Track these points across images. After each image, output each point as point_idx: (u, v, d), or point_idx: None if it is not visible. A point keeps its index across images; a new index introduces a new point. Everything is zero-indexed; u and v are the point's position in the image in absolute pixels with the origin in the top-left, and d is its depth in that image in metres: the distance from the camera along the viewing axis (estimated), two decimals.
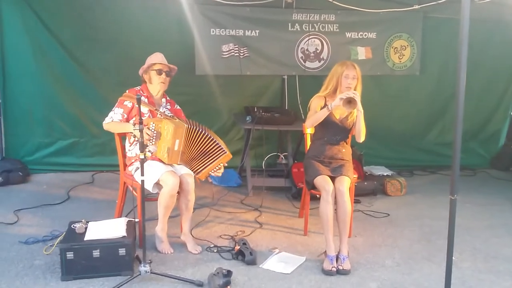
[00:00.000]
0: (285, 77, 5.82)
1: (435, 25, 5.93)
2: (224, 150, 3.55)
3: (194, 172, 3.57)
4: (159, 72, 3.65)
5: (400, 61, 5.99)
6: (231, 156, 3.63)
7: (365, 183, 5.11)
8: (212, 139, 3.53)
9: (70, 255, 3.04)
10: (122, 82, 5.38)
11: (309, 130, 4.02)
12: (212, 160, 3.55)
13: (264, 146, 5.48)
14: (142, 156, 2.97)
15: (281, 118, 5.00)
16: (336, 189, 3.43)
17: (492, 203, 4.98)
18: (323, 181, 3.47)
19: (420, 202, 4.98)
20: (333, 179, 3.53)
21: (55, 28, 5.25)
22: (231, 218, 4.32)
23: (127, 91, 3.70)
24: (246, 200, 4.85)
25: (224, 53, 5.52)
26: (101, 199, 4.78)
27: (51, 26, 5.24)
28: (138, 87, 3.73)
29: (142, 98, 3.58)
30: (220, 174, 3.65)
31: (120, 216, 3.88)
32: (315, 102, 3.75)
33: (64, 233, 3.29)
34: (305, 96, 5.83)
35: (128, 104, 3.62)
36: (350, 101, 3.47)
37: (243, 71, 5.58)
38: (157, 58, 3.67)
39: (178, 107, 3.87)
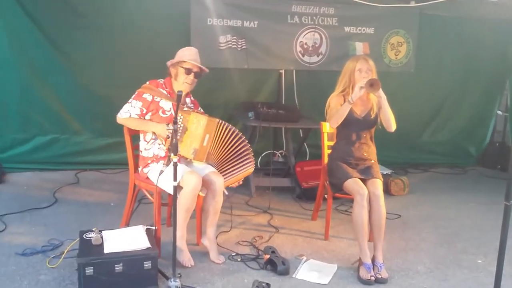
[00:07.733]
0: (282, 71, 5.57)
1: (431, 22, 5.86)
2: (252, 159, 3.32)
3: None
4: (188, 72, 3.22)
5: (396, 58, 5.89)
6: (253, 169, 3.39)
7: None
8: (243, 138, 3.27)
9: (89, 270, 2.68)
10: (111, 74, 4.99)
11: (328, 129, 3.84)
12: (238, 167, 3.29)
13: (259, 144, 5.23)
14: (175, 159, 2.64)
15: (288, 115, 4.74)
16: (371, 193, 3.24)
17: (492, 201, 4.96)
18: (356, 185, 3.26)
19: (424, 202, 4.89)
20: (363, 181, 3.34)
21: (35, 12, 4.74)
22: (242, 222, 4.04)
23: (147, 82, 3.29)
24: (251, 201, 4.58)
25: (222, 45, 5.20)
26: (93, 201, 4.36)
27: (31, 9, 4.72)
28: (161, 80, 3.32)
29: (164, 92, 3.25)
30: (236, 186, 3.42)
31: (128, 222, 3.52)
32: (334, 100, 3.53)
33: (78, 245, 2.89)
34: (301, 92, 5.66)
35: (148, 97, 3.22)
36: (372, 84, 3.25)
37: (242, 64, 5.28)
38: (190, 55, 3.22)
39: (201, 110, 3.51)
